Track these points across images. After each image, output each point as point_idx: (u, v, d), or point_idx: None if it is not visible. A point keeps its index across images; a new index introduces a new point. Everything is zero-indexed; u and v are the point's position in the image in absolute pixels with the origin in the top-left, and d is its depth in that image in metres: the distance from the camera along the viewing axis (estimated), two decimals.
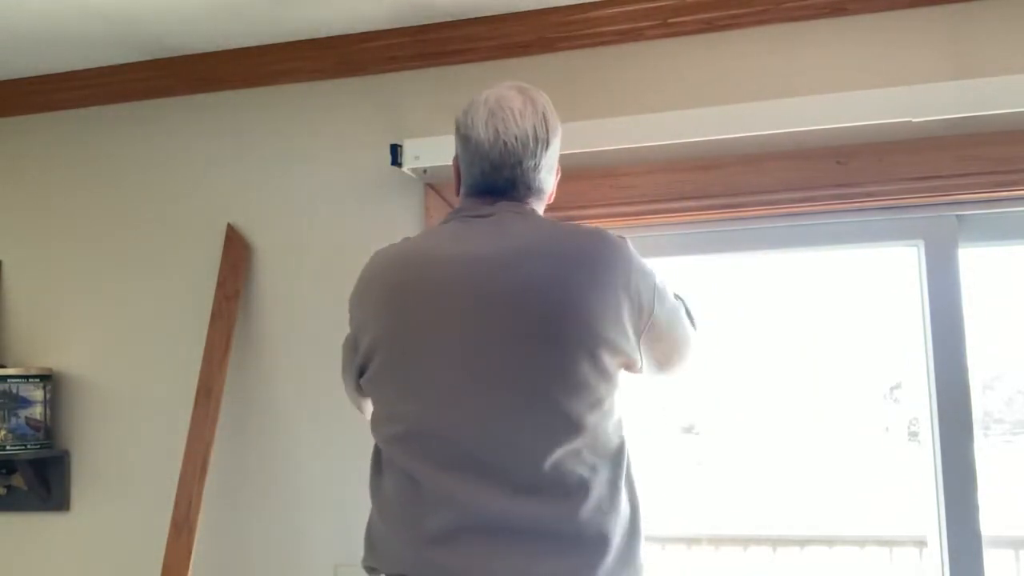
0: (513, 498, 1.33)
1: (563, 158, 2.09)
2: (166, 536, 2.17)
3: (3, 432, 2.34)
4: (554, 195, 1.60)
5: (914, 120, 1.89)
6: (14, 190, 2.56)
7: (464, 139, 1.52)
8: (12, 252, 2.54)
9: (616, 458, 1.41)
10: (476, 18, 2.19)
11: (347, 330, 1.57)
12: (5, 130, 2.58)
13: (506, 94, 1.50)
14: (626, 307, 1.40)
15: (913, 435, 2.22)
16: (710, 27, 2.09)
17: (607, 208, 2.09)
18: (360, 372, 1.51)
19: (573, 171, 2.10)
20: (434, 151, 2.10)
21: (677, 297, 1.56)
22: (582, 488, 1.35)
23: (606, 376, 1.39)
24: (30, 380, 2.37)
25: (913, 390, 2.07)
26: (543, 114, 1.50)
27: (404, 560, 1.38)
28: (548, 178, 1.55)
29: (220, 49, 2.36)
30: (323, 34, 2.28)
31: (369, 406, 1.55)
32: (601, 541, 1.34)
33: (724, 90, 2.07)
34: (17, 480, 2.43)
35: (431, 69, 2.26)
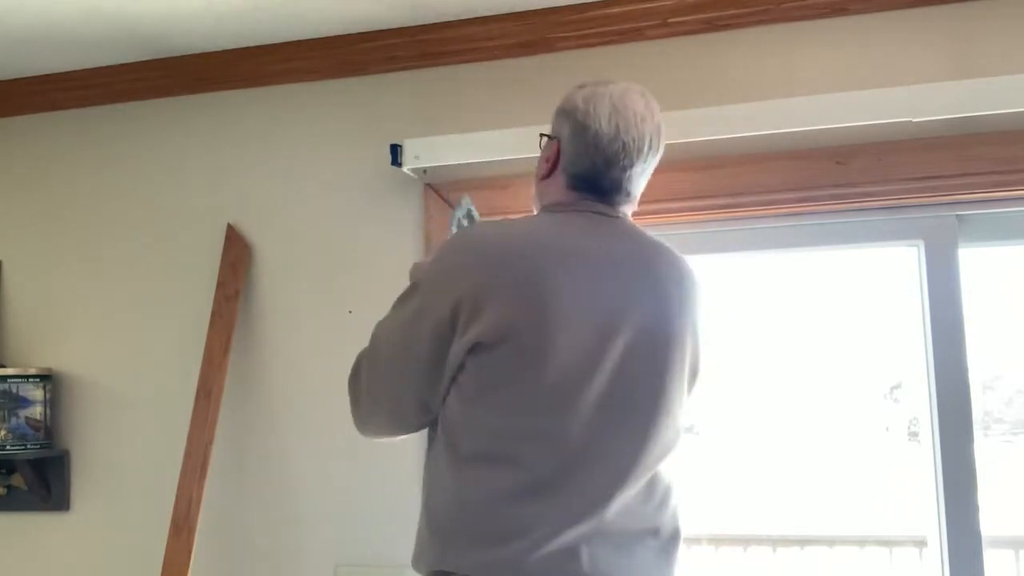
0: (619, 514, 1.36)
1: None
2: (166, 536, 2.17)
3: (3, 432, 2.34)
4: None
5: (914, 120, 1.89)
6: (14, 190, 2.56)
7: (581, 127, 1.47)
8: (12, 252, 2.54)
9: (675, 462, 1.48)
10: (476, 18, 2.19)
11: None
12: (5, 130, 2.58)
13: (629, 94, 1.49)
14: (701, 331, 1.50)
15: (913, 435, 2.22)
16: (710, 27, 2.09)
17: None
18: (472, 346, 1.35)
19: None
20: (434, 151, 2.10)
21: None
22: (667, 495, 1.44)
23: (685, 392, 1.48)
24: (30, 380, 2.37)
25: (913, 390, 2.07)
26: (658, 123, 1.50)
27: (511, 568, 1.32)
28: (642, 185, 1.54)
29: (220, 49, 2.36)
30: (323, 34, 2.28)
31: (413, 391, 1.43)
32: (678, 536, 1.44)
33: (724, 90, 2.07)
34: (17, 480, 2.43)
35: (431, 69, 2.26)
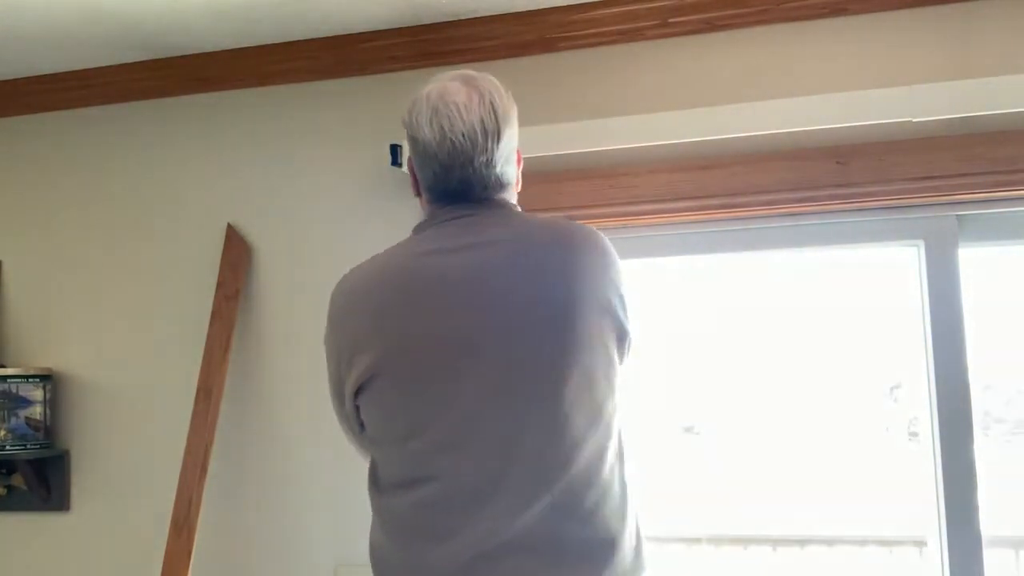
0: (542, 511, 1.28)
1: (564, 158, 2.10)
2: (166, 536, 2.17)
3: (3, 432, 2.34)
4: (520, 183, 1.50)
5: (914, 120, 1.89)
6: (14, 190, 2.56)
7: (412, 140, 1.43)
8: (12, 252, 2.54)
9: (622, 455, 1.38)
10: (476, 18, 2.19)
11: None
12: (5, 130, 2.58)
13: (449, 87, 1.40)
14: (616, 296, 1.38)
15: (913, 435, 2.22)
16: (710, 27, 2.09)
17: (607, 208, 2.09)
18: (355, 392, 1.39)
19: (573, 171, 2.10)
20: None
21: None
22: (607, 490, 1.32)
23: (615, 365, 1.37)
24: (30, 380, 2.37)
25: (913, 390, 2.07)
26: (490, 103, 1.39)
27: None
28: (507, 170, 1.43)
29: (220, 49, 2.36)
30: (323, 34, 2.28)
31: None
32: (618, 542, 1.31)
33: (724, 90, 2.07)
34: (17, 480, 2.43)
35: (431, 69, 2.26)
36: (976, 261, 2.01)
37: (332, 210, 2.30)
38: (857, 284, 2.25)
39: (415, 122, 1.41)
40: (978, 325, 1.98)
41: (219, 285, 2.32)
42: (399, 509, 1.36)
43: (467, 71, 1.45)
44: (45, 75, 2.50)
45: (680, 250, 2.14)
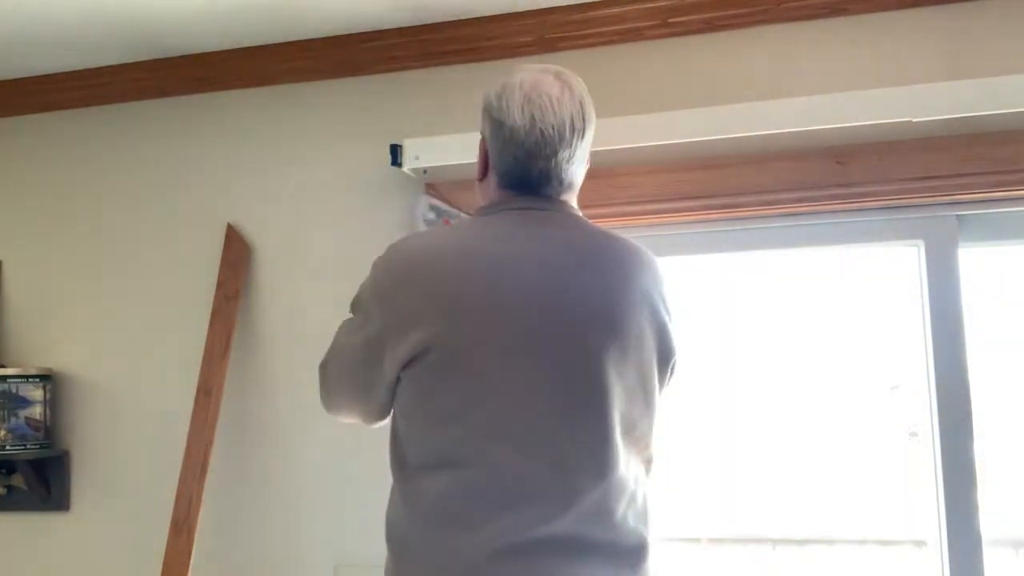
0: (577, 514, 1.29)
1: None
2: (166, 536, 2.17)
3: (3, 432, 2.34)
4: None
5: (914, 120, 1.89)
6: (14, 190, 2.56)
7: (497, 124, 1.42)
8: (12, 252, 2.54)
9: (651, 465, 1.41)
10: (476, 18, 2.19)
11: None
12: (5, 130, 2.58)
13: (542, 79, 1.41)
14: (665, 318, 1.42)
15: (913, 435, 2.22)
16: (710, 27, 2.09)
17: (607, 208, 2.09)
18: (404, 364, 1.35)
19: None
20: (434, 151, 2.10)
21: None
22: (635, 498, 1.35)
23: (654, 381, 1.40)
24: (30, 380, 2.37)
25: (913, 390, 2.07)
26: (580, 102, 1.42)
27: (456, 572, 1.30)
28: (580, 170, 1.47)
29: (220, 49, 2.36)
30: (323, 34, 2.28)
31: (375, 401, 1.44)
32: (645, 547, 1.34)
33: (724, 90, 2.07)
34: (17, 480, 2.43)
35: (431, 69, 2.26)
36: (976, 261, 2.01)
37: (332, 210, 2.30)
38: (857, 284, 2.25)
39: (505, 107, 1.41)
40: (978, 325, 1.98)
41: (219, 285, 2.32)
42: (427, 491, 1.34)
43: (553, 65, 1.46)
44: (45, 75, 2.50)
45: (680, 250, 2.14)
